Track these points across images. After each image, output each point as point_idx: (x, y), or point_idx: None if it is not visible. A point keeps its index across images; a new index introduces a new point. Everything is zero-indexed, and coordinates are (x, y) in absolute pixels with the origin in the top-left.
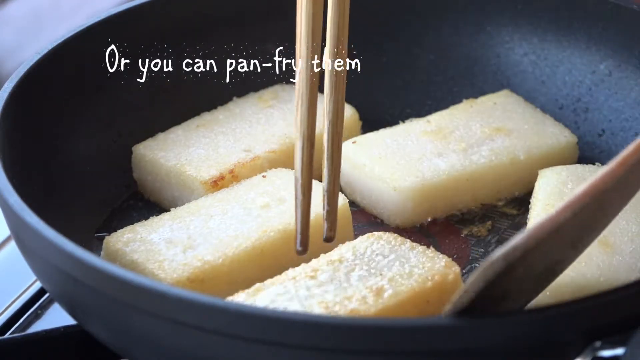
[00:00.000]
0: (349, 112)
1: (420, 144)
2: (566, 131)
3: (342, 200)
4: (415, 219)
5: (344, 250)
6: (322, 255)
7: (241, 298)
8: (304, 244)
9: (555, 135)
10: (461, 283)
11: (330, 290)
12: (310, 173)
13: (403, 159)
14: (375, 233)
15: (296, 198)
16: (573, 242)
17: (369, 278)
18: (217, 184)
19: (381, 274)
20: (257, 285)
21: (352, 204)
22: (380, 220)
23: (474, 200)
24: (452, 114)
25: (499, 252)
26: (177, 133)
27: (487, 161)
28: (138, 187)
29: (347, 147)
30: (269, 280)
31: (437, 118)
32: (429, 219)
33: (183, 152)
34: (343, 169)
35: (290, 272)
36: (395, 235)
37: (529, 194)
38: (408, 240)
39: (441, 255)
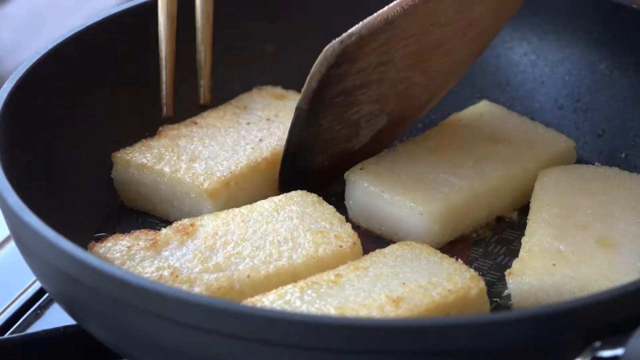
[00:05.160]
0: None
1: (428, 164)
2: (562, 135)
3: (352, 238)
4: (441, 240)
5: (372, 258)
6: (350, 262)
7: (262, 301)
8: (169, 108)
9: (554, 140)
10: (486, 298)
11: (349, 296)
12: (173, 44)
13: (419, 182)
14: (406, 242)
15: (162, 67)
16: (412, 47)
17: (391, 287)
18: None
19: (404, 284)
20: (278, 288)
21: (369, 232)
22: (358, 226)
23: (491, 215)
24: (444, 131)
25: (336, 39)
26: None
27: (501, 173)
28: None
29: (356, 174)
30: (291, 284)
31: (432, 136)
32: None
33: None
34: (355, 197)
35: (314, 277)
36: (426, 245)
37: None
38: (438, 251)
39: (468, 269)
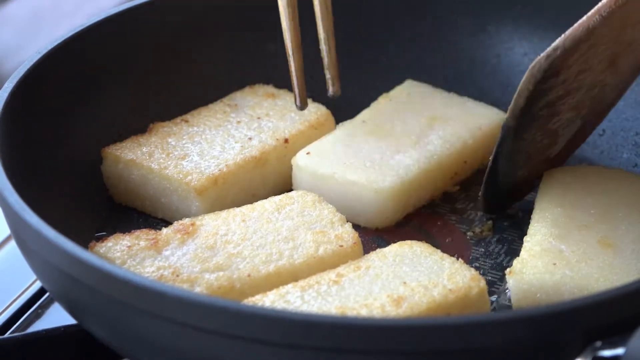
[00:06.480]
0: (323, 111)
1: (371, 144)
2: (493, 108)
3: (352, 238)
4: (393, 217)
5: (373, 258)
6: (350, 262)
7: (263, 300)
8: (302, 100)
9: (487, 114)
10: (486, 298)
11: (350, 296)
12: (297, 34)
13: (368, 161)
14: (407, 242)
15: (289, 57)
16: (607, 52)
17: (392, 286)
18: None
19: (404, 283)
20: (279, 288)
21: (369, 232)
22: (358, 225)
23: (436, 190)
24: (378, 110)
25: (541, 55)
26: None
27: (444, 149)
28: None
29: (302, 159)
30: (292, 284)
31: (367, 117)
32: (405, 216)
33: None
34: (305, 181)
35: (315, 277)
36: (427, 245)
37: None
38: (439, 250)
39: (469, 269)
